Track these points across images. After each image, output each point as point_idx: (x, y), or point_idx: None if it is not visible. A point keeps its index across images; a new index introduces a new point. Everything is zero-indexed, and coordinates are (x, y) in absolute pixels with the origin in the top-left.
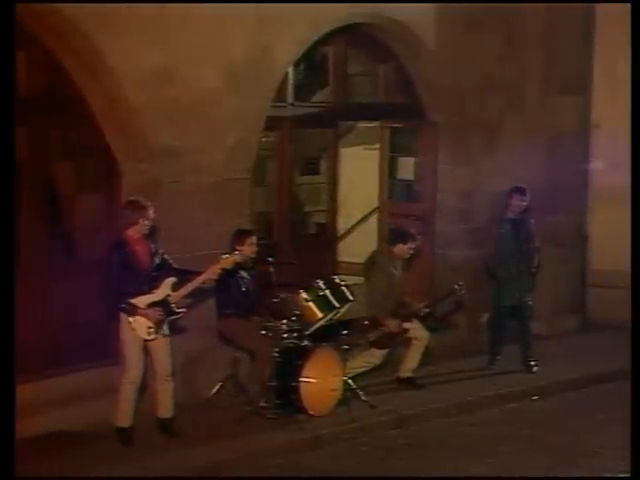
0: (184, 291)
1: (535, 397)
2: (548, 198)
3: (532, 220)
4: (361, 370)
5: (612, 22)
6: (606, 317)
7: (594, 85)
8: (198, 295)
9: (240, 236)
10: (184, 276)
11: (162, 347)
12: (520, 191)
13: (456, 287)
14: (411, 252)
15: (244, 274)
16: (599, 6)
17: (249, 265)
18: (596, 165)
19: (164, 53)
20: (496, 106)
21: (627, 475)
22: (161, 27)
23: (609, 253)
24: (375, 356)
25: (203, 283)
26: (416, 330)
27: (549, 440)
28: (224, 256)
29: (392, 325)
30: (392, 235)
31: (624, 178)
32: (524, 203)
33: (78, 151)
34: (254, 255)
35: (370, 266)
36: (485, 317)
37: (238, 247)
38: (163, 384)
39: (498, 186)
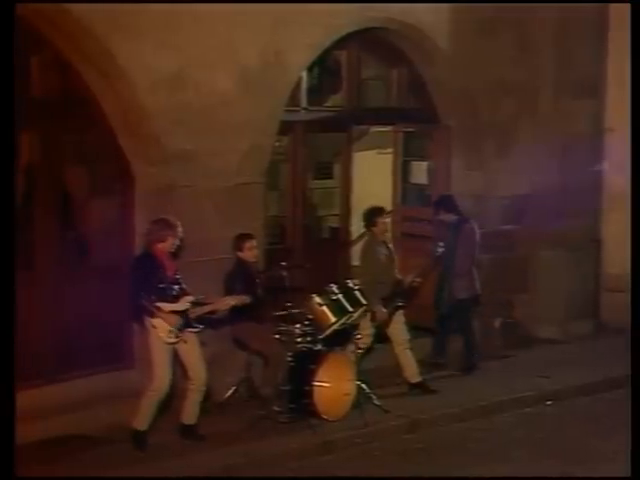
0: (198, 312)
1: (549, 402)
2: (561, 202)
3: (474, 226)
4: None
5: (626, 24)
6: (620, 321)
7: (607, 88)
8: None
9: (239, 241)
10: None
11: (192, 353)
12: (442, 206)
13: (438, 250)
14: (387, 222)
15: (256, 278)
16: (612, 8)
17: (257, 269)
18: (609, 169)
19: (177, 56)
20: (509, 110)
21: (627, 476)
22: (174, 30)
23: (623, 257)
24: (366, 335)
25: (211, 313)
26: (395, 332)
27: (562, 445)
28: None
29: (379, 314)
30: (366, 216)
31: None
32: (450, 217)
33: (91, 154)
34: (254, 259)
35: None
36: (498, 321)
37: (238, 252)
38: (194, 390)
39: (511, 190)
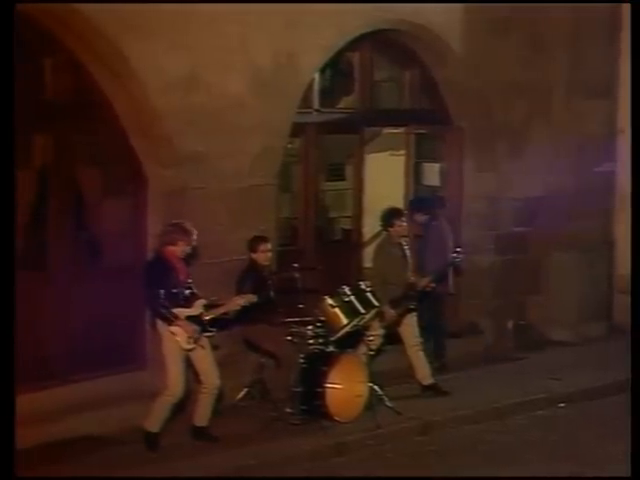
0: (211, 315)
1: (562, 404)
2: (574, 203)
3: (445, 226)
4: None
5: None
6: None
7: (620, 89)
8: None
9: (253, 242)
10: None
11: (205, 359)
12: (416, 206)
13: (455, 256)
14: (404, 225)
15: (268, 280)
16: (624, 8)
17: (269, 271)
18: (621, 169)
19: (189, 57)
20: (522, 111)
21: (627, 475)
22: (186, 31)
23: None
24: (376, 336)
25: (225, 313)
26: (407, 334)
27: (575, 447)
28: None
29: (387, 315)
30: (384, 217)
31: None
32: (422, 217)
33: (104, 156)
34: (267, 262)
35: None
36: (510, 323)
37: (251, 254)
38: (206, 394)
39: (524, 191)
